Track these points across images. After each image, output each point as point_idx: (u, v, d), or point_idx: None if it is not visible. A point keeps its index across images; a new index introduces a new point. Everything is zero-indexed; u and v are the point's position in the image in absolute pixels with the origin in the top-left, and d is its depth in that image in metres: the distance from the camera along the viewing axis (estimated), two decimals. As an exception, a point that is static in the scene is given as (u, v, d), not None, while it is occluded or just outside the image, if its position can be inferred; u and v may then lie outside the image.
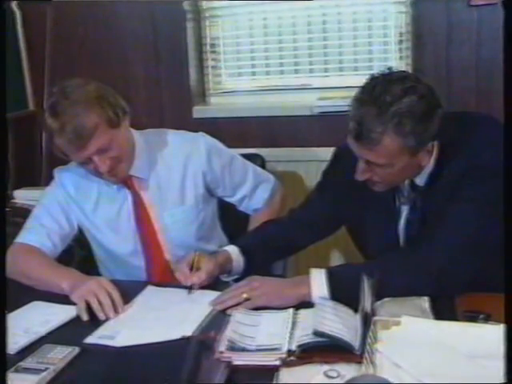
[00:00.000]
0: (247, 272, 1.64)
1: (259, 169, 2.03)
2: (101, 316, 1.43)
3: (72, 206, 1.81)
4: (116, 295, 1.47)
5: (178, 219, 1.81)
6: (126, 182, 1.77)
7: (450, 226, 1.42)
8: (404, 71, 1.53)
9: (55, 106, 1.59)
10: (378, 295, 1.26)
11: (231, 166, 1.89)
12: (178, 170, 1.80)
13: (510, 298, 0.87)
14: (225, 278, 1.66)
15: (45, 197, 1.85)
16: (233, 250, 1.66)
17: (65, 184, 1.82)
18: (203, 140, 1.84)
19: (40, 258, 1.70)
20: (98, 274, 1.93)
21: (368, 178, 1.48)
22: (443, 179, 1.47)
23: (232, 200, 1.96)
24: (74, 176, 1.82)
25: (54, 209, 1.80)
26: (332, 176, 1.76)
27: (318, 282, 1.41)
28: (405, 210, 1.58)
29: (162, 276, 1.80)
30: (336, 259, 2.75)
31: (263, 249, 1.72)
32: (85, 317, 1.44)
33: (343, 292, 1.37)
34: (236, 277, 1.65)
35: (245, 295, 1.42)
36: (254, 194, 1.96)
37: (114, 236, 1.82)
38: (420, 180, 1.53)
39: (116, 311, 1.45)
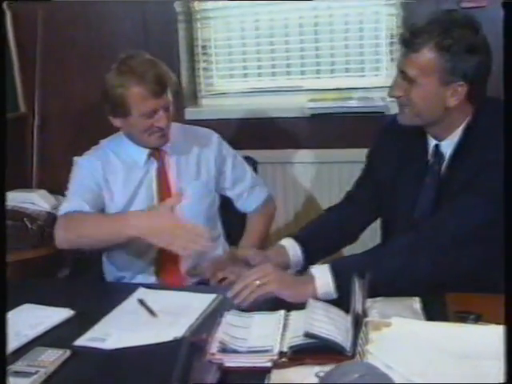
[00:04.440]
0: (309, 263, 1.61)
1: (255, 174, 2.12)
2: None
3: (101, 181, 1.85)
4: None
5: (194, 192, 1.89)
6: (155, 154, 1.87)
7: (460, 212, 1.44)
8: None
9: (129, 61, 1.76)
10: (374, 279, 1.26)
11: (234, 160, 2.02)
12: (195, 150, 1.94)
13: (510, 298, 0.87)
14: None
15: (74, 177, 1.88)
16: (288, 242, 1.66)
17: (92, 161, 1.88)
18: (214, 133, 2.02)
19: (90, 215, 1.76)
20: (96, 273, 1.93)
21: (399, 94, 1.53)
22: (464, 164, 1.50)
23: (231, 194, 2.02)
24: (96, 159, 1.88)
25: (85, 181, 1.84)
26: (375, 153, 1.78)
27: (323, 281, 1.40)
28: (429, 183, 1.60)
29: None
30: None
31: (323, 237, 1.72)
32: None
33: (348, 285, 1.35)
34: (297, 269, 1.65)
35: (258, 282, 1.40)
36: (252, 192, 2.04)
37: (129, 206, 1.86)
38: (445, 147, 1.55)
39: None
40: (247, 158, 2.15)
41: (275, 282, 1.40)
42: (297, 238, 1.67)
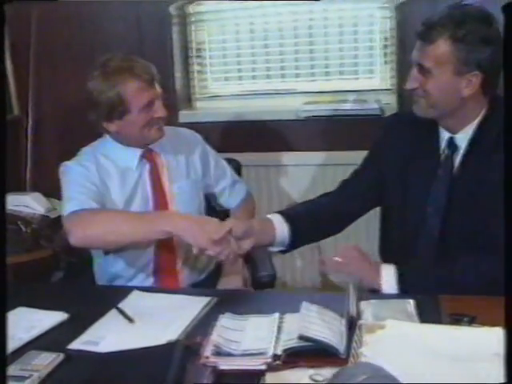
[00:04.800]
0: (294, 243, 1.66)
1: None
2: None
3: (96, 180, 1.81)
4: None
5: (185, 190, 1.91)
6: (146, 155, 1.87)
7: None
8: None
9: (110, 62, 1.76)
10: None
11: (216, 157, 2.04)
12: (183, 150, 1.95)
13: (509, 301, 0.87)
14: (270, 249, 1.69)
15: (70, 178, 1.81)
16: (275, 217, 1.66)
17: (85, 165, 1.82)
18: (195, 132, 2.05)
19: (113, 212, 1.76)
20: (90, 277, 1.93)
21: (415, 86, 1.56)
22: (478, 161, 1.54)
23: (214, 190, 2.04)
24: (91, 162, 1.83)
25: (84, 182, 1.79)
26: (381, 144, 1.78)
27: (389, 282, 1.51)
28: (442, 176, 1.62)
29: (169, 250, 1.86)
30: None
31: (311, 218, 1.72)
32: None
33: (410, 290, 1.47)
34: (281, 248, 1.67)
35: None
36: (234, 188, 2.06)
37: (127, 208, 1.84)
38: (460, 140, 1.58)
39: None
40: (230, 160, 2.17)
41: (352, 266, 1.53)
42: (285, 216, 1.67)
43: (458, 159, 1.60)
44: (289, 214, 1.69)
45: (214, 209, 2.08)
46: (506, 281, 0.89)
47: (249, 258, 1.94)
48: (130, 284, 1.85)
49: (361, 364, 1.03)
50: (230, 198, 2.07)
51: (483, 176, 1.52)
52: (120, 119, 1.76)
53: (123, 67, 1.74)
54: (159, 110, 1.78)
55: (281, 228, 1.65)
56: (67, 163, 1.84)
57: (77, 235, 1.66)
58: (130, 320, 1.43)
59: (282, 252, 1.70)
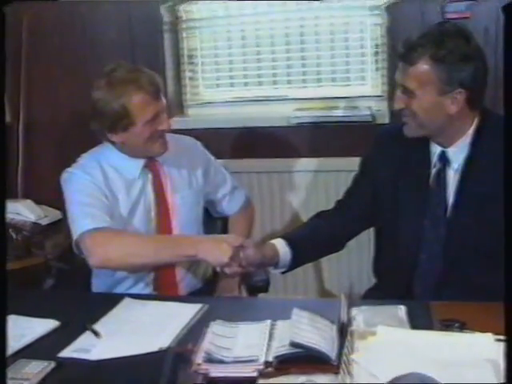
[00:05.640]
0: (295, 264, 1.71)
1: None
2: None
3: (103, 186, 1.78)
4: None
5: (187, 201, 1.90)
6: (150, 165, 1.85)
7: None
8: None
9: (116, 73, 1.73)
10: None
11: (215, 164, 2.04)
12: (185, 159, 1.93)
13: (509, 307, 0.88)
14: (272, 270, 1.72)
15: (77, 187, 1.77)
16: (279, 242, 1.70)
17: (90, 171, 1.79)
18: (196, 140, 2.03)
19: (138, 235, 1.78)
20: (82, 284, 1.93)
21: (401, 107, 1.58)
22: (477, 176, 1.56)
23: (214, 198, 2.03)
24: (95, 168, 1.80)
25: (92, 191, 1.75)
26: (372, 160, 1.79)
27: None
28: (436, 189, 1.63)
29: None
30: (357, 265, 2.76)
31: (312, 242, 1.75)
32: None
33: None
34: (283, 270, 1.71)
35: None
36: (233, 195, 2.05)
37: (131, 218, 1.83)
38: (452, 153, 1.59)
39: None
40: None
41: None
42: (287, 241, 1.71)
43: (451, 172, 1.61)
44: (290, 239, 1.72)
45: (211, 215, 2.07)
46: (506, 288, 0.89)
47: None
48: (129, 292, 1.82)
49: (410, 374, 1.02)
50: (228, 205, 2.05)
51: (482, 188, 1.53)
52: (124, 131, 1.73)
53: (128, 78, 1.70)
54: (164, 123, 1.76)
55: (284, 252, 1.69)
56: (71, 170, 1.80)
57: (98, 256, 1.66)
58: (97, 334, 1.40)
59: (283, 272, 1.74)
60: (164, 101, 1.77)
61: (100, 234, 1.67)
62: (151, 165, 1.85)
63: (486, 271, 1.52)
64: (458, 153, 1.59)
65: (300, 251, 1.71)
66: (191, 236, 1.83)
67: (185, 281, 1.90)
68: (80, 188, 1.76)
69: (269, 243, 1.71)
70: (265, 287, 1.91)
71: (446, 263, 1.61)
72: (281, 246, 1.69)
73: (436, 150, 1.63)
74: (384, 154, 1.73)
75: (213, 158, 2.03)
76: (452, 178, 1.61)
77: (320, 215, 1.84)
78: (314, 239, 1.77)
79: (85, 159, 1.85)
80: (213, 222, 2.09)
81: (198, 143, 2.01)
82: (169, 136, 1.88)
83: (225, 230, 2.07)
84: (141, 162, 1.83)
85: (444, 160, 1.62)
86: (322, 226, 1.80)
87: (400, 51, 1.54)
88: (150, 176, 1.86)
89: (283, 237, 1.73)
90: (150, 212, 1.85)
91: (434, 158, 1.63)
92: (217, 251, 1.60)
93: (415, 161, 1.66)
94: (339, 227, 1.78)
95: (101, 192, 1.76)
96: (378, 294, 1.69)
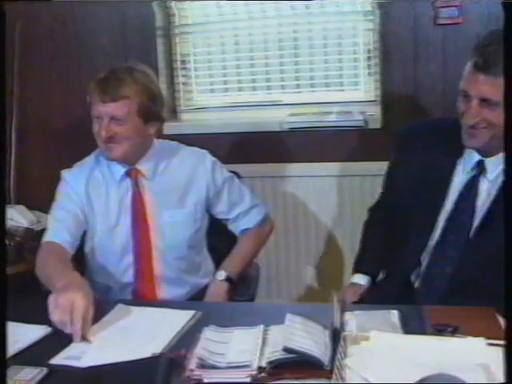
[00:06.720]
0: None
1: (255, 194, 2.09)
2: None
3: (83, 198, 1.83)
4: (87, 318, 1.41)
5: (177, 220, 1.84)
6: (131, 174, 1.83)
7: None
8: None
9: (102, 75, 1.75)
10: None
11: (230, 183, 1.94)
12: (184, 177, 1.86)
13: (509, 311, 0.88)
14: None
15: (58, 196, 1.87)
16: (363, 280, 1.75)
17: (73, 180, 1.85)
18: (208, 156, 1.92)
19: (53, 255, 1.73)
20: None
21: (480, 120, 1.53)
22: None
23: (226, 217, 1.96)
24: (81, 173, 1.86)
25: (66, 203, 1.83)
26: (396, 166, 1.80)
27: None
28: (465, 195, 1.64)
29: (148, 279, 1.85)
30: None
31: (382, 261, 1.79)
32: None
33: None
34: None
35: None
36: (248, 213, 1.97)
37: (108, 231, 1.84)
38: (489, 164, 1.60)
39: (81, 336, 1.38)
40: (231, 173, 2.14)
41: None
42: (368, 273, 1.77)
43: (484, 181, 1.62)
44: (370, 271, 1.79)
45: (223, 230, 2.01)
46: (505, 290, 0.89)
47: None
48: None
49: (438, 375, 1.03)
50: (239, 225, 1.97)
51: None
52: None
53: (104, 72, 1.75)
54: (102, 129, 1.71)
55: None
56: (64, 174, 1.87)
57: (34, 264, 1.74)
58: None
59: None
60: (122, 111, 1.70)
61: (45, 246, 1.78)
62: (131, 173, 1.83)
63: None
64: (496, 164, 1.60)
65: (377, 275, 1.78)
66: (73, 279, 1.55)
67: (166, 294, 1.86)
68: (59, 199, 1.85)
69: (351, 284, 1.75)
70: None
71: (462, 268, 1.62)
72: (367, 284, 1.75)
73: (474, 157, 1.63)
74: (408, 155, 1.73)
75: (228, 176, 1.94)
76: (485, 187, 1.62)
77: (367, 229, 1.88)
78: (383, 257, 1.79)
79: (84, 161, 1.89)
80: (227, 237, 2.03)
81: (209, 160, 1.90)
82: (172, 146, 1.89)
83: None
84: (123, 168, 1.83)
85: (479, 169, 1.63)
86: (380, 243, 1.83)
87: (481, 62, 1.49)
88: (130, 188, 1.84)
89: (363, 271, 1.77)
90: (128, 228, 1.83)
91: (468, 166, 1.64)
92: (57, 310, 1.41)
93: (439, 164, 1.67)
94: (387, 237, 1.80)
95: (76, 202, 1.82)
96: (378, 294, 1.71)
